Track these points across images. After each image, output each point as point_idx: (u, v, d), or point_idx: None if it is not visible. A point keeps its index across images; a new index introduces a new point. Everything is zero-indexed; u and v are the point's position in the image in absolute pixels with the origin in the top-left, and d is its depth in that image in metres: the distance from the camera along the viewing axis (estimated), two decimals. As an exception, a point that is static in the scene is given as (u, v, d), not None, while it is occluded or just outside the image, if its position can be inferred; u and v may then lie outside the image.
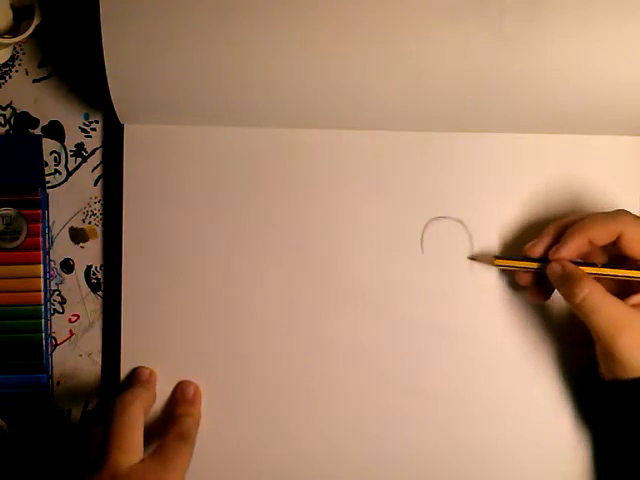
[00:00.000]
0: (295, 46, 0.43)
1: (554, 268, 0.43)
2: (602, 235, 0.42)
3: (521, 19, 0.42)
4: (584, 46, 0.43)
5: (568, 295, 0.42)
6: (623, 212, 0.43)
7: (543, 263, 0.44)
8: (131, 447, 0.40)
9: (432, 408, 0.48)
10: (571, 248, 0.42)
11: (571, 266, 0.42)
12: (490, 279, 0.48)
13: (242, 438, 0.48)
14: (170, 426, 0.44)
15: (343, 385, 0.48)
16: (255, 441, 0.48)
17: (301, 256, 0.48)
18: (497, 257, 0.46)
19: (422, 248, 0.48)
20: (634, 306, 0.41)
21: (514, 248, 0.48)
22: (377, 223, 0.48)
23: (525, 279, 0.45)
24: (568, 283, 0.42)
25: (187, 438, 0.43)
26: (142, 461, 0.40)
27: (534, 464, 0.48)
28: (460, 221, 0.48)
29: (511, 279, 0.47)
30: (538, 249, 0.44)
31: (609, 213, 0.43)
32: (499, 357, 0.48)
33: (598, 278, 0.43)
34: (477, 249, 0.48)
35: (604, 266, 0.43)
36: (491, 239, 0.48)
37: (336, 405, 0.48)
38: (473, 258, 0.47)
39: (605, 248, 0.44)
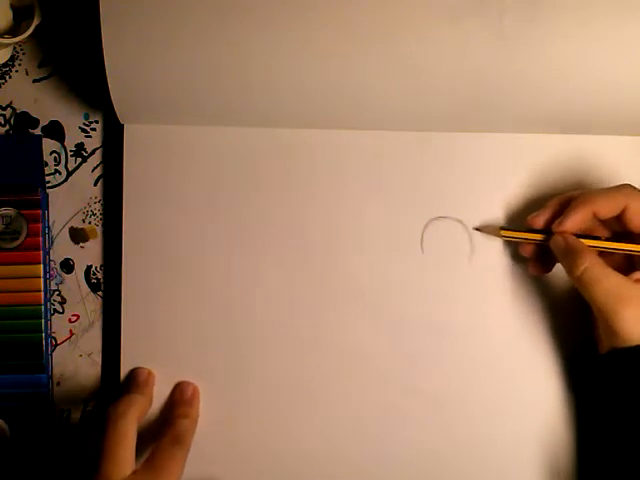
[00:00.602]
0: (295, 46, 0.43)
1: (557, 240, 0.43)
2: (606, 208, 0.42)
3: (521, 19, 0.42)
4: (584, 46, 0.43)
5: (569, 267, 0.42)
6: (628, 186, 0.43)
7: (547, 235, 0.44)
8: (123, 459, 0.40)
9: (432, 407, 0.48)
10: (575, 220, 0.42)
11: (573, 239, 0.42)
12: (490, 279, 0.48)
13: (242, 438, 0.48)
14: (166, 428, 0.44)
15: (343, 385, 0.48)
16: (255, 441, 0.48)
17: (301, 256, 0.48)
18: (503, 228, 0.46)
19: (422, 248, 0.48)
20: (637, 281, 0.41)
21: (514, 249, 0.48)
22: (377, 223, 0.48)
23: (528, 250, 0.45)
24: (570, 256, 0.42)
25: (182, 441, 0.43)
26: (134, 472, 0.40)
27: (534, 464, 0.48)
28: (460, 221, 0.48)
29: (512, 274, 0.48)
30: (540, 220, 0.44)
31: (614, 187, 0.43)
32: (499, 357, 0.48)
33: (602, 253, 0.42)
34: (477, 249, 0.48)
35: (608, 240, 0.43)
36: (491, 239, 0.48)
37: (336, 405, 0.48)
38: (478, 229, 0.47)
39: (609, 224, 0.44)
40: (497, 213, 0.48)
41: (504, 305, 0.48)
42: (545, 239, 0.44)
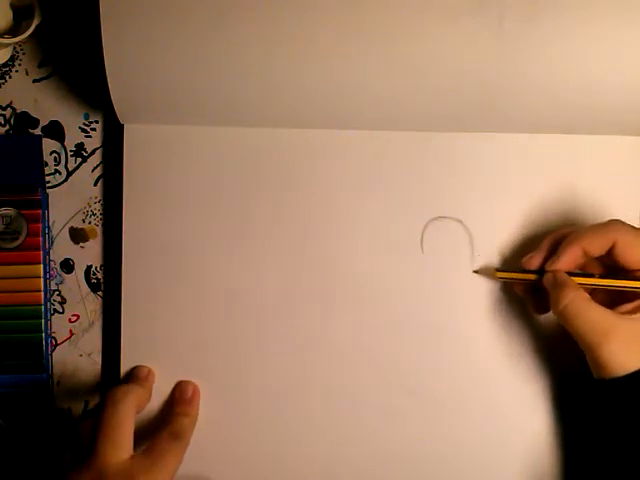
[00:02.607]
0: (295, 46, 0.43)
1: (548, 277, 0.43)
2: (596, 244, 0.42)
3: (521, 19, 0.42)
4: (584, 46, 0.43)
5: (553, 302, 0.42)
6: (616, 221, 0.43)
7: (541, 275, 0.44)
8: (120, 442, 0.40)
9: (431, 407, 0.48)
10: (567, 259, 0.43)
11: (562, 275, 0.43)
12: (490, 279, 0.48)
13: (242, 438, 0.48)
14: (165, 424, 0.44)
15: (342, 385, 0.48)
16: (255, 441, 0.48)
17: (301, 256, 0.48)
18: (498, 270, 0.46)
19: (422, 248, 0.48)
20: (624, 313, 0.41)
21: (514, 248, 0.48)
22: (377, 223, 0.48)
23: (521, 290, 0.46)
24: (554, 291, 0.42)
25: (180, 437, 0.43)
26: (131, 457, 0.40)
27: (534, 463, 0.48)
28: (460, 221, 0.48)
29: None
30: (535, 261, 0.45)
31: (602, 223, 0.43)
32: (499, 357, 0.48)
33: (595, 289, 0.43)
34: (477, 249, 0.48)
35: (602, 277, 0.43)
36: (491, 239, 0.48)
37: (335, 405, 0.48)
38: (476, 271, 0.47)
39: (601, 260, 0.44)
40: (497, 213, 0.48)
41: (504, 305, 0.48)
42: (539, 279, 0.44)
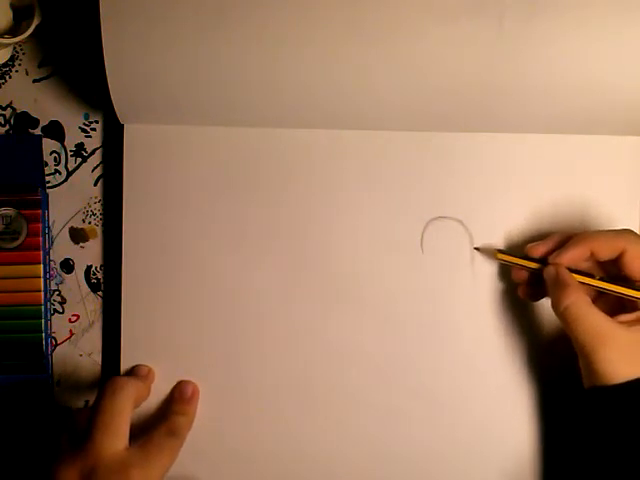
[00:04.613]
0: (295, 46, 0.43)
1: (550, 270, 0.43)
2: (605, 249, 0.42)
3: (521, 19, 0.42)
4: (584, 46, 0.43)
5: (555, 301, 0.42)
6: (629, 231, 0.43)
7: (542, 265, 0.44)
8: (116, 432, 0.40)
9: (431, 408, 0.48)
10: (572, 255, 0.42)
11: (565, 272, 0.42)
12: (490, 279, 0.48)
13: (241, 437, 0.48)
14: (162, 422, 0.44)
15: (342, 385, 0.48)
16: (254, 440, 0.48)
17: (301, 256, 0.48)
18: (500, 251, 0.46)
19: (422, 248, 0.48)
20: (622, 323, 0.41)
21: (514, 248, 0.48)
22: (377, 223, 0.48)
23: (520, 276, 0.46)
24: (557, 288, 0.42)
25: (177, 435, 0.44)
26: (127, 449, 0.40)
27: (534, 463, 0.48)
28: (460, 221, 0.48)
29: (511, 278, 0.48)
30: (540, 250, 0.44)
31: (615, 230, 0.43)
32: (499, 357, 0.48)
33: (597, 296, 0.43)
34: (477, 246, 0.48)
35: (602, 279, 0.43)
36: (491, 239, 0.48)
37: (335, 405, 0.48)
38: (477, 248, 0.47)
39: (606, 267, 0.44)
40: (497, 213, 0.48)
41: (504, 305, 0.48)
42: (540, 268, 0.44)
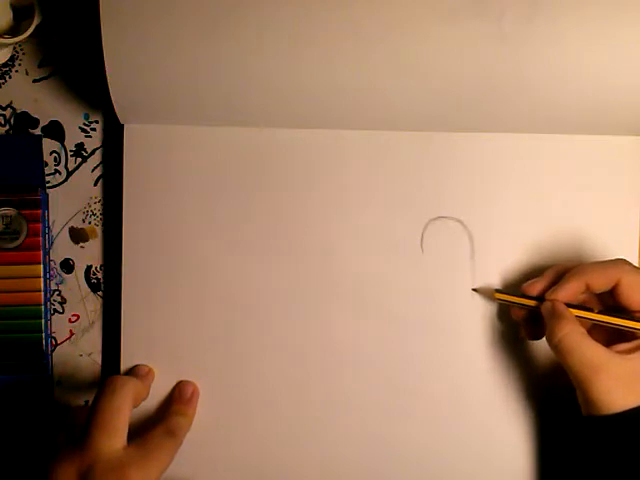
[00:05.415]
0: (295, 46, 0.43)
1: (546, 306, 0.43)
2: (600, 281, 0.42)
3: (521, 19, 0.42)
4: (584, 46, 0.43)
5: (549, 333, 0.42)
6: (623, 261, 0.43)
7: (540, 302, 0.44)
8: (115, 430, 0.40)
9: (431, 408, 0.48)
10: (568, 290, 0.43)
11: (560, 306, 0.42)
12: (490, 279, 0.48)
13: (241, 437, 0.48)
14: (161, 421, 0.44)
15: (342, 385, 0.48)
16: (254, 440, 0.48)
17: (301, 256, 0.48)
18: (497, 290, 0.46)
19: (422, 248, 0.48)
20: (619, 352, 0.40)
21: (514, 248, 0.48)
22: (377, 223, 0.48)
23: (519, 314, 0.46)
24: (552, 321, 0.42)
25: (175, 435, 0.44)
26: (124, 448, 0.40)
27: (534, 463, 0.48)
28: (460, 221, 0.48)
29: (512, 274, 0.48)
30: (536, 288, 0.44)
31: (609, 260, 0.43)
32: (499, 356, 0.48)
33: (595, 325, 0.43)
34: (477, 249, 0.48)
35: (600, 312, 0.43)
36: (491, 239, 0.48)
37: (336, 406, 0.48)
38: (475, 290, 0.47)
39: (603, 298, 0.44)
40: (497, 213, 0.48)
41: (504, 305, 0.48)
42: (537, 305, 0.44)
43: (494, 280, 0.48)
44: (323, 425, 0.48)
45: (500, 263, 0.48)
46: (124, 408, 0.41)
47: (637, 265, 0.48)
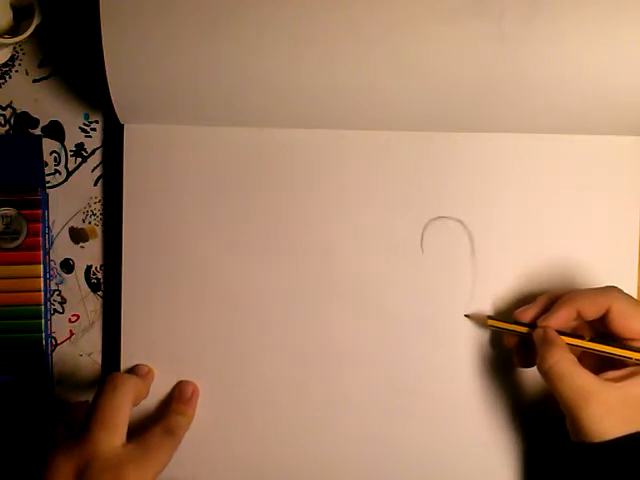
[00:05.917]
0: (295, 46, 0.43)
1: (538, 332, 0.43)
2: (591, 308, 0.42)
3: (521, 19, 0.42)
4: (584, 46, 0.43)
5: (538, 361, 0.42)
6: (614, 288, 0.43)
7: (532, 329, 0.44)
8: (114, 427, 0.40)
9: (431, 407, 0.48)
10: (559, 318, 0.43)
11: (552, 332, 0.43)
12: (490, 280, 0.48)
13: (241, 437, 0.48)
14: (160, 420, 0.44)
15: (342, 385, 0.48)
16: (254, 440, 0.48)
17: (301, 256, 0.48)
18: (490, 317, 0.46)
19: (422, 248, 0.48)
20: (609, 380, 0.40)
21: (514, 249, 0.48)
22: (377, 223, 0.48)
23: (511, 342, 0.46)
24: (542, 348, 0.42)
25: (174, 434, 0.44)
26: (123, 446, 0.40)
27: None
28: (460, 221, 0.48)
29: (512, 274, 0.48)
30: (528, 314, 0.45)
31: (600, 288, 0.43)
32: (499, 356, 0.48)
33: (585, 352, 0.43)
34: (477, 249, 0.48)
35: (592, 340, 0.43)
36: (491, 239, 0.48)
37: (336, 406, 0.48)
38: (467, 316, 0.47)
39: (594, 326, 0.44)
40: (497, 213, 0.48)
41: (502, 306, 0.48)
42: (529, 332, 0.44)
43: (494, 280, 0.48)
44: (323, 425, 0.48)
45: (500, 263, 0.48)
46: (124, 406, 0.41)
47: (637, 265, 0.48)
